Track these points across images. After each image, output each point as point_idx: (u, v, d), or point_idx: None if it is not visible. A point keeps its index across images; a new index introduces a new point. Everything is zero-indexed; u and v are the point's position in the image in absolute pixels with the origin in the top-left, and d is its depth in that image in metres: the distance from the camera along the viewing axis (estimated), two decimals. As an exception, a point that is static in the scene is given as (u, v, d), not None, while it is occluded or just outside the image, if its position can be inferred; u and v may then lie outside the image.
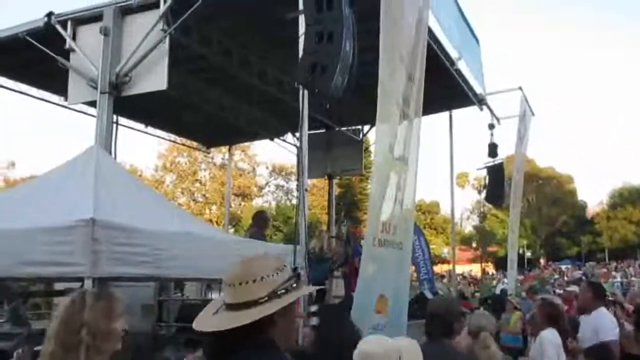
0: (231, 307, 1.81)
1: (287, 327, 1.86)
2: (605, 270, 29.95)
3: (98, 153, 5.87)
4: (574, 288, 11.00)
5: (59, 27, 7.54)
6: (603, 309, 6.44)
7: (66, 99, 8.15)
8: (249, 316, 1.75)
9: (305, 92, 6.13)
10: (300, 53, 5.49)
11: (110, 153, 6.85)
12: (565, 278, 25.82)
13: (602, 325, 6.14)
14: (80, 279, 4.00)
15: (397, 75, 5.41)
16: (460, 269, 42.76)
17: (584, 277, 23.78)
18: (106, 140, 6.91)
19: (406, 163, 5.81)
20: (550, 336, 5.92)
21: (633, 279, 25.01)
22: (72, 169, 5.37)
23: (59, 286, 7.19)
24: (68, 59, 7.52)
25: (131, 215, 4.76)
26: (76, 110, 9.72)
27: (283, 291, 1.82)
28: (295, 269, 1.98)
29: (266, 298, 1.78)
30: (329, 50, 5.17)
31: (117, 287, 4.97)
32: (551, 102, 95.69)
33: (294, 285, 1.87)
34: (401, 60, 5.48)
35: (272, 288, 1.81)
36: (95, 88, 7.12)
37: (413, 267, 12.48)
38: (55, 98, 10.16)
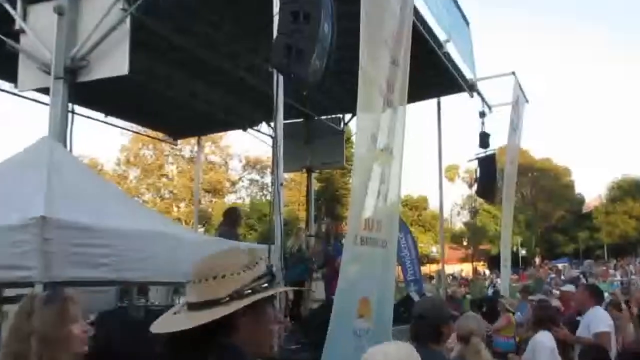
0: (192, 306, 1.78)
1: (257, 332, 1.81)
2: (604, 268, 30.38)
3: (51, 145, 5.78)
4: (570, 287, 11.16)
5: (7, 6, 7.41)
6: (598, 307, 6.87)
7: (16, 86, 8.01)
8: (205, 317, 1.71)
9: (280, 77, 6.10)
10: (275, 34, 5.45)
11: (65, 145, 6.74)
12: (562, 277, 26.13)
13: (594, 319, 6.49)
14: (31, 284, 3.93)
15: (380, 59, 5.41)
16: (450, 269, 43.10)
17: (581, 276, 24.12)
18: (61, 131, 6.81)
19: (391, 154, 5.82)
20: (544, 340, 6.01)
21: (633, 277, 25.41)
22: (21, 161, 5.29)
23: (10, 292, 7.10)
24: (18, 41, 7.39)
25: (88, 212, 4.70)
26: (27, 98, 9.57)
27: (249, 291, 1.77)
28: (270, 267, 1.91)
29: (227, 298, 1.74)
30: (306, 32, 5.14)
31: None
32: (547, 88, 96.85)
33: (265, 285, 1.82)
34: (384, 43, 5.47)
35: (236, 287, 1.76)
36: (49, 73, 7.01)
37: (399, 267, 12.52)
38: (4, 84, 10.00)
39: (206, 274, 1.77)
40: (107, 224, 4.64)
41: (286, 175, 13.02)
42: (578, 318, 7.28)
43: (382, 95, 5.40)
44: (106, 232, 4.53)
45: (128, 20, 7.11)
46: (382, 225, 5.68)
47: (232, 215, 9.58)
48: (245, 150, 51.18)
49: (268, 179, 50.84)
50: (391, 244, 6.22)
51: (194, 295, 1.78)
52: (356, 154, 5.49)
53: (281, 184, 6.35)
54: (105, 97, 11.12)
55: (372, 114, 5.38)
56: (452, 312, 4.74)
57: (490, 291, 22.16)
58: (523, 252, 56.68)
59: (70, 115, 7.27)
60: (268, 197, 49.72)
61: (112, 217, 4.93)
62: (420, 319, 3.54)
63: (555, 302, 10.07)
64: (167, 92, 11.33)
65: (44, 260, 3.93)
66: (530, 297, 11.26)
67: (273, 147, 13.84)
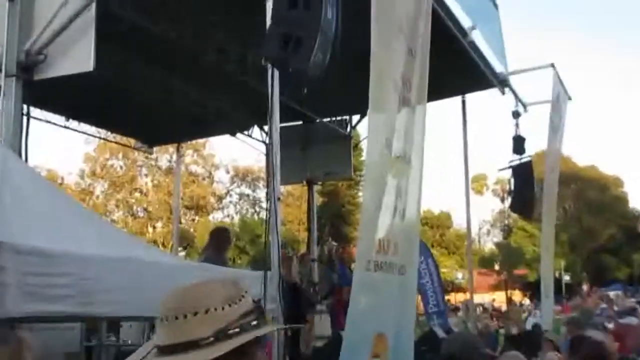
0: (163, 350, 1.70)
1: None
2: (664, 296, 30.28)
3: (3, 154, 5.79)
4: (631, 320, 11.06)
5: (-51, -9, 7.44)
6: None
7: (-40, 85, 8.04)
8: None
9: (276, 72, 6.12)
10: (268, 21, 5.48)
11: (19, 154, 6.77)
12: (615, 307, 26.02)
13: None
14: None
15: (395, 48, 5.43)
16: (479, 298, 42.99)
17: (638, 307, 24.00)
18: (13, 138, 6.80)
19: (408, 162, 5.83)
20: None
21: (700, 307, 25.25)
22: (-32, 175, 5.30)
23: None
24: (-38, 32, 7.42)
25: (48, 235, 4.69)
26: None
27: (236, 330, 1.70)
28: (257, 301, 1.86)
29: (211, 338, 1.67)
30: (306, 18, 5.17)
31: (31, 331, 4.89)
32: (593, 84, 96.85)
33: (254, 322, 1.76)
34: (399, 29, 5.50)
35: (220, 325, 1.69)
36: None
37: (419, 297, 12.53)
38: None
39: (183, 309, 1.69)
40: (71, 249, 4.63)
41: (283, 189, 13.04)
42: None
43: (397, 92, 5.43)
44: (69, 259, 4.52)
45: (94, 6, 7.14)
46: (399, 248, 5.69)
47: (219, 236, 9.59)
48: (233, 159, 51.33)
49: (261, 193, 51.05)
50: (410, 269, 6.22)
51: (166, 335, 1.70)
52: (367, 162, 5.50)
53: (278, 199, 6.37)
54: (67, 98, 11.17)
55: (386, 114, 5.39)
56: (487, 351, 4.73)
57: (529, 324, 22.06)
58: (567, 277, 56.50)
59: (24, 118, 7.30)
60: (262, 215, 49.75)
61: (77, 241, 4.92)
62: (450, 359, 3.53)
63: (603, 337, 10.02)
64: (141, 92, 11.39)
65: (-2, 292, 3.93)
66: (579, 333, 11.18)
67: (267, 155, 13.91)
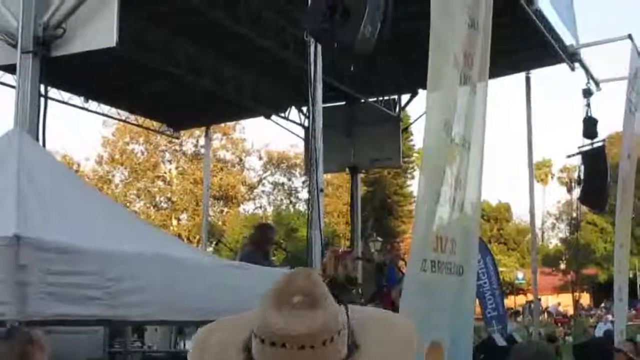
0: None
1: None
2: None
3: (20, 139, 5.88)
4: None
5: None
6: None
7: (-26, 62, 8.18)
8: None
9: (319, 47, 6.13)
10: (312, -9, 5.49)
11: (36, 139, 6.87)
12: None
13: None
14: (2, 324, 3.99)
15: (456, 19, 5.38)
16: (542, 301, 42.62)
17: None
18: (30, 121, 6.92)
19: (468, 148, 5.79)
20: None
21: None
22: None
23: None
24: (-25, 5, 7.54)
25: (71, 229, 4.77)
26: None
27: (352, 336, 1.69)
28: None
29: (349, 355, 1.66)
30: (354, -13, 5.17)
31: (51, 333, 4.96)
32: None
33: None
34: (462, -3, 5.46)
35: (346, 337, 1.66)
36: (15, 46, 7.14)
37: (477, 301, 12.46)
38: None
39: (325, 330, 1.61)
40: (96, 245, 4.69)
41: (323, 177, 13.06)
42: None
43: (457, 69, 5.38)
44: (95, 256, 4.59)
45: (118, -26, 7.21)
46: (457, 245, 5.66)
47: (262, 233, 9.63)
48: (266, 144, 51.38)
49: (297, 182, 51.09)
50: (469, 269, 6.18)
51: None
52: (424, 148, 5.48)
53: (321, 190, 6.39)
54: (86, 77, 11.31)
55: (445, 93, 5.35)
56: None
57: (599, 332, 21.87)
58: (643, 278, 55.69)
59: (42, 100, 7.41)
60: (298, 206, 49.92)
61: (102, 236, 4.99)
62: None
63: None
64: (166, 69, 11.44)
65: (19, 292, 4.00)
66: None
67: (307, 140, 13.92)
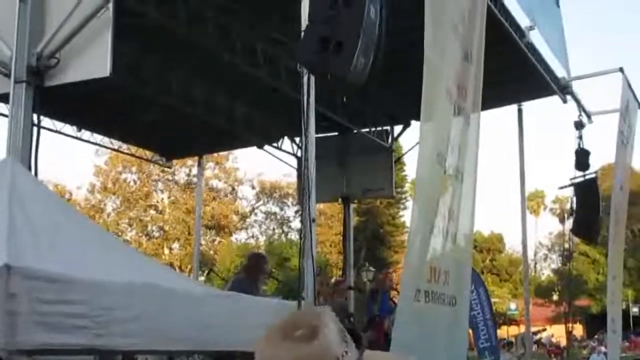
0: None
1: None
2: None
3: (13, 169, 5.87)
4: None
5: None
6: None
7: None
8: None
9: (312, 78, 6.14)
10: (304, 22, 5.50)
11: (29, 168, 6.85)
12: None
13: None
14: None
15: (449, 51, 5.42)
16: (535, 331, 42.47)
17: None
18: (23, 150, 6.90)
19: (461, 180, 5.81)
20: None
21: None
22: (-25, 192, 5.37)
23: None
24: (-32, 34, 7.55)
25: (61, 259, 4.74)
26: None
27: None
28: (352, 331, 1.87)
29: None
30: (347, 19, 5.19)
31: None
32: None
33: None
34: (454, 30, 5.48)
35: None
36: (8, 76, 7.13)
37: (470, 331, 12.42)
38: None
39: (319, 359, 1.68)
40: (86, 275, 4.67)
41: (315, 207, 13.04)
42: None
43: (451, 101, 5.42)
44: (85, 285, 4.56)
45: (111, 5, 7.22)
46: (450, 276, 5.66)
47: (254, 262, 9.62)
48: (259, 173, 51.38)
49: (290, 212, 51.08)
50: (461, 300, 6.18)
51: None
52: (417, 179, 5.48)
53: (313, 220, 6.37)
54: (79, 106, 11.30)
55: (438, 123, 5.37)
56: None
57: (593, 363, 21.85)
58: (635, 309, 55.66)
59: (34, 129, 7.40)
60: (290, 236, 49.86)
61: (93, 265, 4.97)
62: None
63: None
64: (160, 99, 11.46)
65: (9, 321, 3.96)
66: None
67: (299, 169, 13.93)
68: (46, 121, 11.66)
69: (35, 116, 7.36)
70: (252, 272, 9.33)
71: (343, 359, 1.69)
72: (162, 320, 5.11)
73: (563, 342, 41.98)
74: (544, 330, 44.03)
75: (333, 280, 14.95)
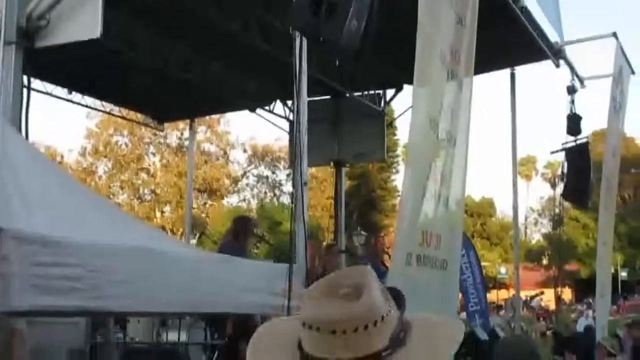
0: None
1: None
2: None
3: (3, 131, 5.85)
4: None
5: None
6: None
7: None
8: None
9: (304, 41, 6.11)
10: (297, -17, 5.46)
11: (19, 130, 6.83)
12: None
13: None
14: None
15: (443, 15, 5.39)
16: (524, 296, 42.85)
17: None
18: (13, 112, 6.86)
19: (454, 145, 5.81)
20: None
21: None
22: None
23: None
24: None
25: (54, 221, 4.75)
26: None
27: (403, 333, 1.73)
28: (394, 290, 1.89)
29: (389, 349, 1.69)
30: (340, -19, 5.16)
31: (32, 324, 4.95)
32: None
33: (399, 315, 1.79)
34: (448, -7, 5.46)
35: (391, 330, 1.70)
36: (-3, 37, 7.09)
37: (460, 295, 12.52)
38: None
39: (362, 317, 1.66)
40: (79, 237, 4.68)
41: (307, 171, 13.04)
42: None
43: (444, 65, 5.40)
44: (78, 248, 4.57)
45: (103, -36, 7.16)
46: (442, 240, 5.68)
47: (241, 225, 9.64)
48: (251, 137, 51.33)
49: (281, 175, 51.13)
50: (452, 264, 6.21)
51: (343, 348, 1.68)
52: (410, 144, 5.48)
53: (305, 184, 6.38)
54: (70, 68, 11.24)
55: (431, 89, 5.36)
56: None
57: (580, 327, 22.03)
58: (624, 274, 56.18)
59: (25, 91, 7.36)
60: (282, 199, 49.96)
61: (85, 228, 4.98)
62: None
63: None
64: (151, 62, 11.41)
65: (1, 284, 3.98)
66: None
67: (291, 133, 13.90)
68: (37, 83, 11.61)
69: (25, 78, 7.34)
70: (239, 235, 9.36)
71: (388, 316, 1.70)
72: (154, 282, 5.13)
73: (552, 306, 42.37)
74: (542, 293, 44.31)
75: (325, 244, 15.00)
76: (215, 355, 10.08)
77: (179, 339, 11.11)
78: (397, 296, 1.79)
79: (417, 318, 1.81)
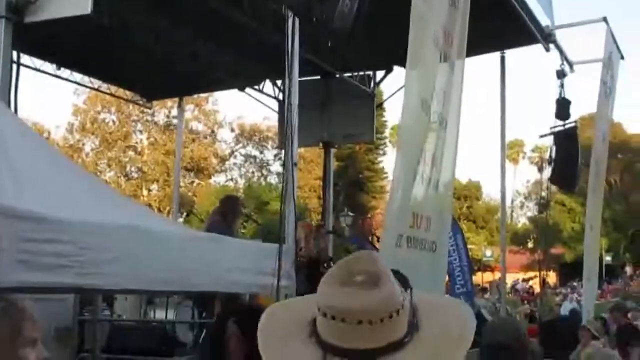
0: (367, 356, 1.71)
1: None
2: None
3: (-8, 106, 5.82)
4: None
5: None
6: None
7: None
8: None
9: (296, 21, 6.09)
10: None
11: (8, 105, 6.79)
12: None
13: None
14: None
15: (437, -3, 5.39)
16: (510, 279, 43.13)
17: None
18: (2, 87, 6.85)
19: (445, 127, 5.81)
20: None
21: None
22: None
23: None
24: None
25: (43, 198, 4.72)
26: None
27: (415, 319, 1.77)
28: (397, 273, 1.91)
29: (409, 336, 1.73)
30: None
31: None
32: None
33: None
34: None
35: (408, 317, 1.74)
36: (-13, 12, 7.03)
37: (446, 277, 12.58)
38: None
39: (386, 306, 1.69)
40: (69, 214, 4.66)
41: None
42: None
43: (438, 47, 5.39)
44: (67, 225, 4.55)
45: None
46: (432, 222, 5.70)
47: (228, 204, 9.67)
48: (239, 116, 51.20)
49: (269, 155, 51.06)
50: (441, 246, 6.24)
51: (367, 338, 1.70)
52: (401, 126, 5.48)
53: (295, 164, 6.38)
54: (59, 44, 11.19)
55: (424, 70, 5.35)
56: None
57: (564, 310, 22.21)
58: (608, 258, 56.50)
59: (14, 66, 7.32)
60: (270, 179, 49.93)
61: (75, 205, 4.95)
62: (501, 350, 3.50)
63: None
64: (141, 40, 11.35)
65: (-10, 260, 3.97)
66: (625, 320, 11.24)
67: (281, 113, 13.85)
68: (25, 59, 11.52)
69: (14, 53, 7.29)
70: (226, 215, 9.37)
71: (405, 303, 1.72)
72: (142, 260, 5.12)
73: (537, 289, 42.63)
74: (536, 277, 44.55)
75: (313, 224, 15.01)
76: (203, 333, 10.11)
77: (166, 317, 11.15)
78: (401, 279, 1.80)
79: (417, 299, 1.83)
